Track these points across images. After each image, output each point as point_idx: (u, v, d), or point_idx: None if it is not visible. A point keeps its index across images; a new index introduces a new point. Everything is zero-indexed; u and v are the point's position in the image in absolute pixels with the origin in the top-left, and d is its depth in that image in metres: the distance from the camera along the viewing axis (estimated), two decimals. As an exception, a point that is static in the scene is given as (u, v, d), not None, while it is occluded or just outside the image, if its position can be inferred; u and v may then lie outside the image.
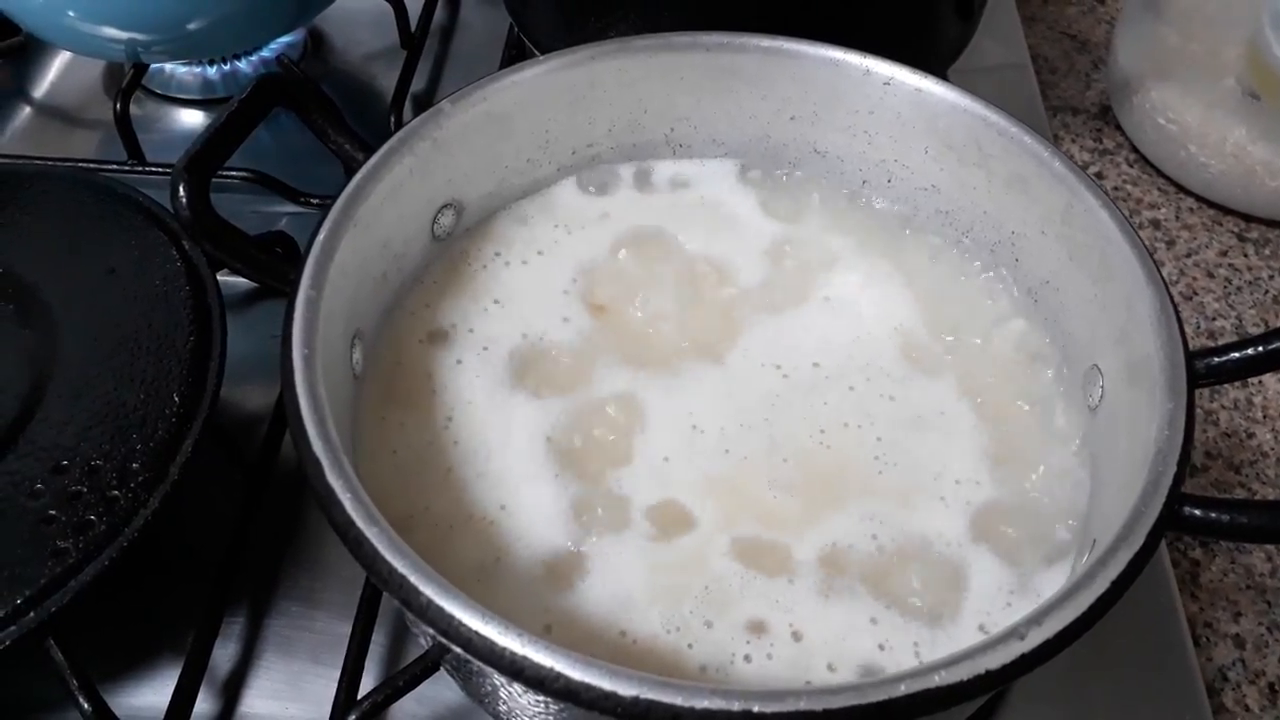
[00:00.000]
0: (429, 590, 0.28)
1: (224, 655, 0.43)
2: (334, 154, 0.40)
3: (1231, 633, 0.48)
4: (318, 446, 0.31)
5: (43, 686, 0.40)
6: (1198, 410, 0.56)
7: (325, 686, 0.41)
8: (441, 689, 0.41)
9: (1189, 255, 0.63)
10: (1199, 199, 0.65)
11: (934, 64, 0.43)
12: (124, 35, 0.58)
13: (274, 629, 0.44)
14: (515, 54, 0.66)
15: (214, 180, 0.36)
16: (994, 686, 0.27)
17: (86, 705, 0.37)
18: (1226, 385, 0.57)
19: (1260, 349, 0.35)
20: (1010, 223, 0.43)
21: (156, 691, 0.41)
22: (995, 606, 0.35)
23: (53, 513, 0.38)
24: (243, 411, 0.50)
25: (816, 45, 0.44)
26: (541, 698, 0.30)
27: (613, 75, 0.44)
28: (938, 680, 0.26)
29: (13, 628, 0.35)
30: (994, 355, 0.42)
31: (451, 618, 0.27)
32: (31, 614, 0.36)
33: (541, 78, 0.43)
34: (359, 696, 0.39)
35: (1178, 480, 0.31)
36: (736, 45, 0.44)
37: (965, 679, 0.27)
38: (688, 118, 0.47)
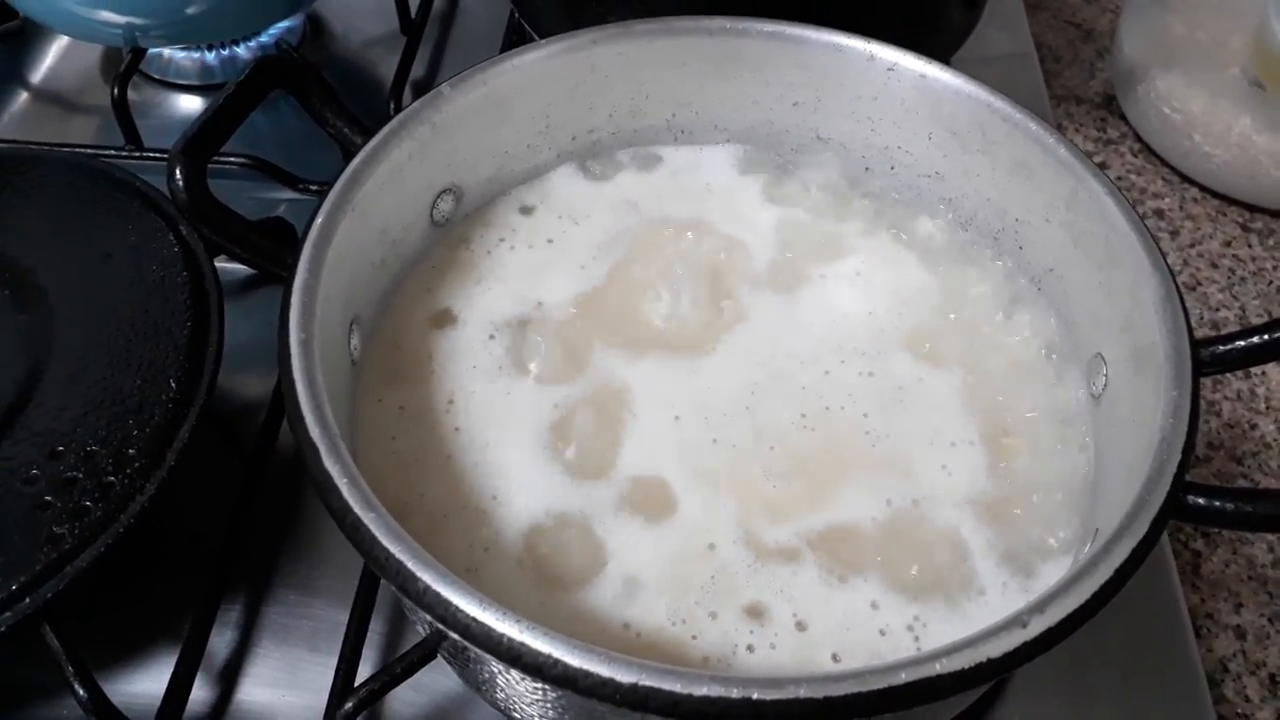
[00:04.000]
0: (426, 576, 0.28)
1: (221, 642, 0.43)
2: (332, 138, 0.40)
3: (1233, 624, 0.47)
4: (314, 431, 0.30)
5: (38, 674, 0.40)
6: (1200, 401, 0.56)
7: (322, 674, 0.41)
8: (439, 677, 0.41)
9: (1193, 245, 0.63)
10: (1203, 189, 0.65)
11: (938, 52, 0.43)
12: (121, 19, 0.58)
13: (271, 616, 0.43)
14: (516, 40, 0.66)
15: (212, 166, 0.36)
16: (995, 674, 0.27)
17: (82, 692, 0.37)
18: (1229, 377, 0.56)
19: (1265, 337, 0.34)
20: (1014, 210, 0.42)
21: (153, 679, 0.41)
22: (998, 594, 0.35)
23: (48, 498, 0.38)
24: (241, 399, 0.50)
25: (820, 30, 0.43)
26: (539, 685, 0.30)
27: (614, 60, 0.44)
28: (939, 668, 0.26)
29: (8, 614, 0.35)
30: (997, 344, 0.41)
31: (449, 603, 0.27)
32: (27, 600, 0.36)
33: (542, 62, 0.43)
34: (356, 684, 0.39)
35: (1182, 468, 0.31)
36: (739, 30, 0.44)
37: (966, 667, 0.26)
38: (689, 103, 0.46)
